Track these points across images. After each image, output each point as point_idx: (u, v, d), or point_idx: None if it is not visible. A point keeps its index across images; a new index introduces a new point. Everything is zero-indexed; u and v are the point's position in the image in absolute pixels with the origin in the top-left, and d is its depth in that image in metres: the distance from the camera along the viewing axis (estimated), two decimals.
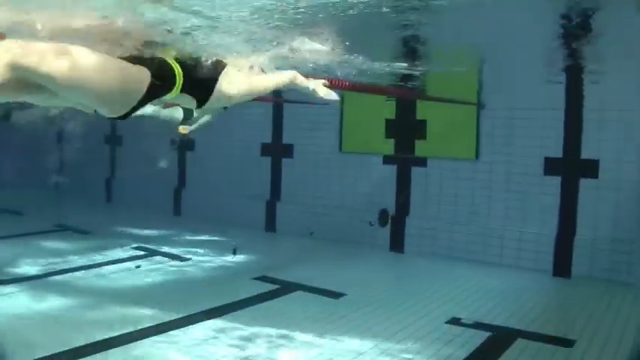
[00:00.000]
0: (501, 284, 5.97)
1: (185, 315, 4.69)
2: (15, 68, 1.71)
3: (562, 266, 6.22)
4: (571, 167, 6.21)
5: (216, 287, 5.69)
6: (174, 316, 4.66)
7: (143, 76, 2.10)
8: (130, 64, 2.07)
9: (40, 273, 5.91)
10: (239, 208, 8.41)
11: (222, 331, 4.42)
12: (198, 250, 7.13)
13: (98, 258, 6.63)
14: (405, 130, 6.94)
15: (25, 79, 1.80)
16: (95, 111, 2.17)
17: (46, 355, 3.83)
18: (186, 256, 6.86)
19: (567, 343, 4.37)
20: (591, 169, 6.08)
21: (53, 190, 11.65)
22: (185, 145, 8.74)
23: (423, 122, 6.84)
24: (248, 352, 4.05)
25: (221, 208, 8.54)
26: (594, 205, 6.10)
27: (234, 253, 6.56)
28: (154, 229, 8.32)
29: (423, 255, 6.98)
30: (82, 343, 4.05)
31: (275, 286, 5.68)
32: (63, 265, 6.22)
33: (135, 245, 7.30)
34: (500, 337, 4.48)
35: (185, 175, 9.40)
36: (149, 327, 4.42)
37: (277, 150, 8.15)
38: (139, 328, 4.39)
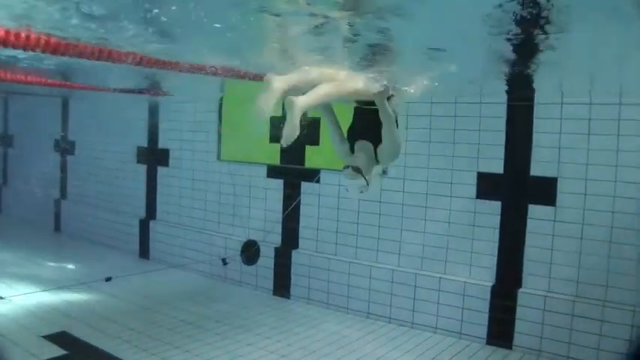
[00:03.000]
0: (412, 354, 4.01)
1: None
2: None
3: (500, 331, 4.22)
4: (517, 187, 4.23)
5: None
6: None
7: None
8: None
9: None
10: (115, 226, 6.63)
11: None
12: (31, 284, 5.26)
13: None
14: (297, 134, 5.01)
15: None
16: None
17: None
18: (2, 294, 5.06)
19: None
20: (545, 191, 4.09)
21: None
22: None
23: (315, 122, 4.88)
24: None
25: (97, 226, 6.78)
26: (548, 244, 4.09)
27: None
28: (14, 249, 6.57)
29: (313, 304, 4.95)
30: None
31: (62, 352, 3.83)
32: None
33: None
34: None
35: (66, 184, 7.66)
36: None
37: (153, 156, 6.35)
38: None
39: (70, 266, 6.07)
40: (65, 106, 7.49)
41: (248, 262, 5.13)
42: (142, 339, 4.07)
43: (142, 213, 6.47)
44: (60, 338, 4.07)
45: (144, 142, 6.40)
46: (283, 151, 5.13)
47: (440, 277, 4.43)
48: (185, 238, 5.88)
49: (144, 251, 6.35)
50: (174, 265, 5.70)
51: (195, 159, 5.71)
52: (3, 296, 4.93)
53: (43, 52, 2.36)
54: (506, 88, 3.92)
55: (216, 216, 5.70)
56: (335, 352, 4.00)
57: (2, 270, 5.81)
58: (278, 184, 5.21)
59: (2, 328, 4.22)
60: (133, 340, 4.04)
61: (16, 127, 8.50)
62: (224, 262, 5.12)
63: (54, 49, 2.36)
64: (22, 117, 8.13)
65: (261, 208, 5.32)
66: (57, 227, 7.67)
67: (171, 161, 6.14)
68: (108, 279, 4.52)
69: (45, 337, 4.09)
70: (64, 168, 7.60)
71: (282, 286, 5.13)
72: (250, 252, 5.07)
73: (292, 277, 5.08)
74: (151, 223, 6.30)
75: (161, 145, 6.21)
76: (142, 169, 6.45)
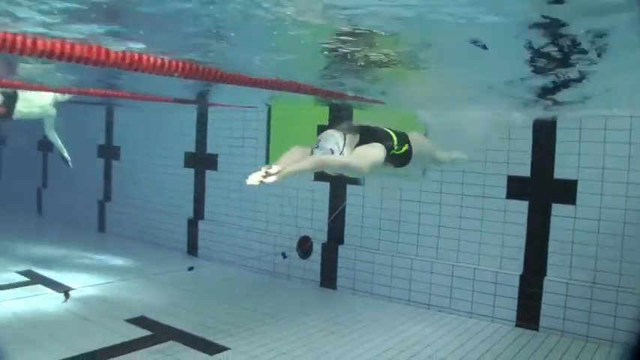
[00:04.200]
0: (450, 335, 4.64)
1: None
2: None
3: (527, 314, 4.87)
4: (541, 189, 4.89)
5: (76, 330, 4.44)
6: None
7: (384, 153, 3.36)
8: (383, 153, 3.35)
9: None
10: (162, 226, 7.21)
11: None
12: (95, 277, 5.89)
13: None
14: None
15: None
16: None
17: None
18: (73, 285, 5.64)
19: None
20: (566, 192, 4.76)
21: None
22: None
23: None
24: None
25: (144, 226, 7.36)
26: (570, 238, 4.75)
27: (67, 297, 4.93)
28: (66, 247, 7.16)
29: (358, 294, 5.64)
30: None
31: (147, 333, 4.43)
32: None
33: (24, 269, 6.14)
34: None
35: (111, 187, 8.24)
36: None
37: (201, 161, 6.95)
38: None
39: (124, 261, 6.64)
40: (110, 113, 8.06)
41: (303, 256, 5.75)
42: (214, 323, 4.66)
43: (190, 213, 7.07)
44: (141, 321, 4.67)
45: (192, 148, 7.00)
46: None
47: (474, 268, 5.08)
48: (235, 237, 6.49)
49: (192, 249, 6.95)
50: (225, 261, 6.30)
51: (245, 164, 6.31)
52: (74, 287, 5.50)
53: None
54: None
55: (265, 216, 6.32)
56: (382, 335, 4.61)
57: (64, 264, 6.37)
58: (324, 186, 5.84)
59: (86, 315, 4.80)
60: (208, 323, 4.62)
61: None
62: (284, 255, 5.73)
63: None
64: (63, 123, 8.64)
65: (308, 208, 5.95)
66: (101, 228, 8.24)
67: (219, 165, 6.74)
68: (190, 268, 5.10)
69: (127, 320, 4.67)
70: (108, 172, 8.16)
71: (329, 278, 5.77)
72: (305, 247, 5.69)
73: (338, 269, 5.70)
74: (200, 223, 6.89)
75: (210, 150, 6.81)
76: (190, 172, 7.05)
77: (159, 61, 2.76)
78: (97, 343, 4.12)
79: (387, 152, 3.42)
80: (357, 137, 3.41)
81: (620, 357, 4.20)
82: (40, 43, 2.11)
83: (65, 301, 4.86)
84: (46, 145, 9.38)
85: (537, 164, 4.88)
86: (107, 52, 2.26)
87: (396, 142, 3.55)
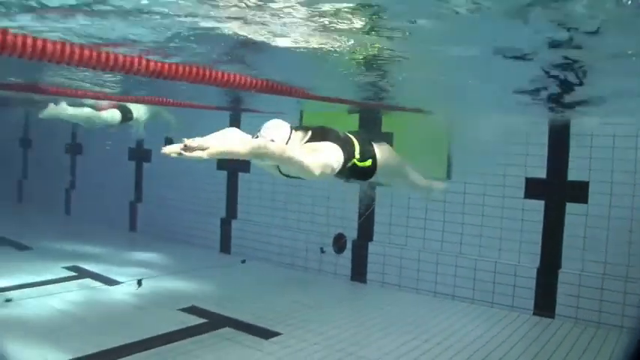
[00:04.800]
0: (473, 323, 5.15)
1: (94, 352, 4.01)
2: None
3: (544, 303, 5.39)
4: (557, 190, 5.42)
5: (132, 319, 4.91)
6: (72, 354, 3.94)
7: (341, 158, 3.03)
8: (339, 155, 3.01)
9: None
10: (194, 225, 7.68)
11: None
12: (137, 272, 6.39)
13: (24, 278, 5.93)
14: (369, 143, 6.15)
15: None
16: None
17: None
18: (119, 278, 6.12)
19: None
20: (579, 192, 5.28)
21: (16, 200, 11.10)
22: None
23: (389, 135, 6.06)
24: None
25: (176, 226, 7.83)
26: (582, 234, 5.28)
27: (139, 284, 5.68)
28: (102, 245, 7.61)
29: (387, 286, 6.16)
30: None
31: (202, 320, 4.91)
32: None
33: (70, 264, 6.60)
34: None
35: (142, 188, 8.71)
36: None
37: (234, 163, 7.43)
38: None
39: (160, 257, 7.11)
40: None
41: (338, 252, 6.25)
42: (261, 313, 5.14)
43: (223, 213, 7.54)
44: (193, 310, 5.14)
45: None
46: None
47: (495, 262, 5.60)
48: (268, 235, 6.97)
49: (225, 247, 7.44)
50: (258, 258, 6.79)
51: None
52: (122, 280, 5.98)
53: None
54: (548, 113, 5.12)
55: (297, 215, 6.82)
56: (409, 324, 5.06)
57: (106, 260, 6.83)
58: (354, 187, 6.34)
59: (140, 305, 5.26)
60: (255, 312, 5.11)
61: (86, 136, 9.46)
62: (322, 250, 6.22)
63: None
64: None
65: (339, 207, 6.45)
66: (132, 227, 8.69)
67: (252, 168, 7.23)
68: (243, 261, 5.59)
69: (180, 310, 5.14)
70: (139, 174, 8.62)
71: (359, 272, 6.28)
72: (340, 243, 6.19)
73: (368, 265, 6.20)
74: (233, 222, 7.38)
75: None
76: (223, 174, 7.53)
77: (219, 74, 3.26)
78: (156, 329, 4.59)
79: (345, 159, 3.06)
80: (308, 135, 3.09)
81: (629, 342, 4.70)
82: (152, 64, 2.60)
83: (138, 288, 5.36)
84: (74, 148, 9.84)
85: (553, 167, 5.41)
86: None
87: (357, 151, 3.24)
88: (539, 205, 5.47)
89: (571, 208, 5.33)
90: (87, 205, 9.28)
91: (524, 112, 4.77)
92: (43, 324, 4.63)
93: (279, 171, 3.14)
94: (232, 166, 7.43)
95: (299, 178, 3.08)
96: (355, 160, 3.21)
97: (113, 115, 6.17)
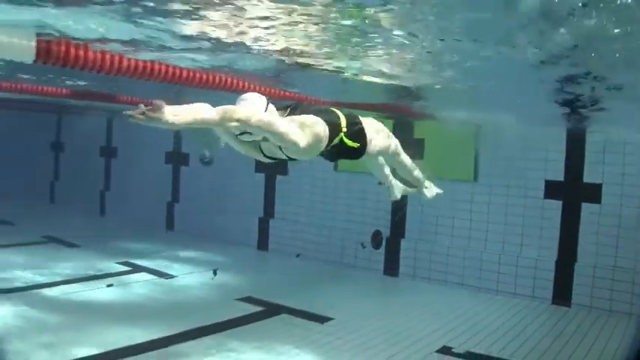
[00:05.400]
0: (497, 312, 5.81)
1: (158, 337, 4.56)
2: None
3: (561, 294, 6.06)
4: (573, 191, 6.10)
5: (198, 307, 5.55)
6: (153, 337, 4.54)
7: (326, 130, 2.92)
8: (322, 126, 2.90)
9: (21, 285, 5.85)
10: (232, 224, 8.32)
11: (201, 353, 4.30)
12: (186, 267, 7.02)
13: (80, 272, 6.54)
14: (403, 148, 6.82)
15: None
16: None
17: None
18: (172, 273, 6.75)
19: None
20: (594, 193, 5.97)
21: (48, 201, 11.69)
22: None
23: (421, 141, 6.75)
24: None
25: (213, 225, 8.46)
26: (596, 230, 5.96)
27: (215, 274, 6.39)
28: (144, 243, 8.23)
29: (418, 279, 6.84)
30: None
31: (259, 308, 5.56)
32: (43, 279, 6.10)
33: (121, 260, 7.22)
34: None
35: (179, 190, 9.34)
36: (126, 347, 4.30)
37: (272, 167, 8.09)
38: (116, 348, 4.27)
39: (203, 254, 7.74)
40: None
41: (376, 247, 6.91)
42: (312, 301, 5.78)
43: (261, 213, 8.19)
44: (250, 300, 5.78)
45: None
46: None
47: (517, 256, 6.28)
48: (305, 232, 7.62)
49: (262, 244, 8.10)
50: (295, 254, 7.46)
51: (315, 169, 7.45)
52: (175, 274, 6.61)
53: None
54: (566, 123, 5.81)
55: (333, 215, 7.47)
56: (440, 313, 5.70)
57: (153, 256, 7.45)
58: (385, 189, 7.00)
59: (200, 295, 5.91)
60: (306, 301, 5.75)
61: (121, 140, 10.08)
62: (363, 246, 6.88)
63: None
64: (127, 132, 9.68)
65: (373, 208, 7.12)
66: (169, 226, 9.32)
67: (290, 171, 7.88)
68: (297, 255, 6.24)
69: (237, 299, 5.77)
70: (176, 176, 9.26)
71: (391, 267, 6.96)
72: (378, 239, 6.85)
73: (401, 259, 6.87)
74: (271, 221, 8.03)
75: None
76: (261, 177, 8.18)
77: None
78: (219, 316, 5.22)
79: (330, 131, 2.93)
80: (287, 112, 3.01)
81: (637, 327, 5.41)
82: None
83: (213, 278, 6.08)
84: (109, 152, 10.46)
85: (569, 170, 6.10)
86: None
87: (344, 124, 3.07)
88: (557, 204, 6.16)
89: (586, 207, 6.02)
90: (122, 206, 9.89)
91: (547, 122, 5.47)
92: (122, 310, 5.28)
93: (262, 153, 3.06)
94: (270, 170, 8.09)
95: (287, 159, 3.04)
96: (342, 135, 3.03)
97: None
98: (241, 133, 2.75)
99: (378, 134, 3.44)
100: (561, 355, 4.62)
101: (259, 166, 8.22)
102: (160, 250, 7.90)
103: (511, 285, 6.30)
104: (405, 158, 4.05)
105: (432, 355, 4.51)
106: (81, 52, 2.92)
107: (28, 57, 2.66)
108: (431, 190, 4.61)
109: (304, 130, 2.81)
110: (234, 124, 2.56)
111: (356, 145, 3.16)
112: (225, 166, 8.37)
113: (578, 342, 5.01)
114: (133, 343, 4.40)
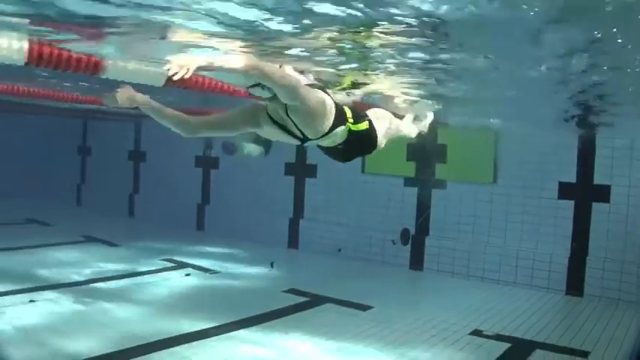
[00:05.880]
0: (517, 301, 6.48)
1: (219, 324, 5.12)
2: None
3: (574, 285, 6.74)
4: (584, 192, 6.80)
5: (249, 298, 6.18)
6: (208, 325, 5.06)
7: (333, 109, 2.90)
8: (330, 101, 2.90)
9: (80, 279, 6.45)
10: (262, 225, 8.95)
11: (255, 340, 4.83)
12: (226, 263, 7.65)
13: (129, 268, 7.14)
14: (426, 153, 7.53)
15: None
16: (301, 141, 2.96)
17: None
18: (214, 268, 7.37)
19: (582, 354, 4.86)
20: (603, 194, 6.67)
21: (74, 204, 12.25)
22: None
23: (444, 147, 7.43)
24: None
25: (244, 225, 9.07)
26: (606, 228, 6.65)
27: (272, 266, 7.14)
28: (179, 242, 8.81)
29: (442, 273, 7.51)
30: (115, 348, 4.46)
31: (305, 299, 6.18)
32: (96, 275, 6.70)
33: (164, 257, 7.81)
34: (519, 348, 4.98)
35: (209, 192, 9.96)
36: (184, 335, 4.83)
37: (301, 170, 8.74)
38: (174, 335, 4.80)
39: (238, 251, 8.35)
40: None
41: (405, 244, 7.57)
42: (351, 292, 6.41)
43: (291, 214, 8.83)
44: (295, 291, 6.40)
45: (292, 159, 8.78)
46: (418, 167, 7.61)
47: (533, 251, 6.95)
48: (335, 232, 8.28)
49: (293, 243, 8.75)
50: (325, 252, 8.10)
51: (342, 171, 8.07)
52: (218, 270, 7.23)
53: None
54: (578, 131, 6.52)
55: (360, 215, 8.14)
56: (463, 303, 6.33)
57: (192, 253, 8.05)
58: (413, 191, 7.69)
59: (247, 287, 6.54)
60: (345, 292, 6.37)
61: (150, 145, 10.68)
62: (393, 242, 7.54)
63: None
64: (155, 137, 10.25)
65: (398, 207, 7.78)
66: (200, 227, 9.93)
67: (319, 174, 8.53)
68: (339, 250, 6.94)
69: (284, 291, 6.39)
70: (206, 179, 9.88)
71: (417, 262, 7.62)
72: (406, 236, 7.51)
73: (425, 255, 7.54)
74: (301, 222, 8.67)
75: (309, 161, 8.59)
76: (290, 180, 8.82)
77: None
78: (269, 306, 5.83)
79: (336, 116, 2.87)
80: None
81: None
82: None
83: (270, 270, 6.78)
84: (137, 156, 11.04)
85: (581, 173, 6.80)
86: None
87: (350, 114, 3.01)
88: (569, 204, 6.85)
89: (596, 207, 6.72)
90: (152, 207, 10.48)
91: (561, 129, 6.17)
92: (181, 301, 5.90)
93: (292, 134, 2.97)
94: (300, 173, 8.74)
95: (321, 144, 3.02)
96: (349, 125, 2.98)
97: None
98: (253, 86, 2.80)
99: (384, 120, 3.38)
100: (577, 339, 5.27)
101: (289, 169, 8.87)
102: (196, 249, 8.51)
103: (528, 277, 6.97)
104: (408, 128, 4.11)
105: (467, 337, 5.16)
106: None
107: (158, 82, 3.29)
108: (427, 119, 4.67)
109: (312, 92, 2.80)
110: (254, 71, 2.58)
111: (364, 125, 3.05)
112: (255, 170, 9.00)
113: (591, 327, 5.66)
114: (199, 329, 5.00)
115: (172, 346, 4.60)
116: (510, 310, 6.12)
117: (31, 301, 5.48)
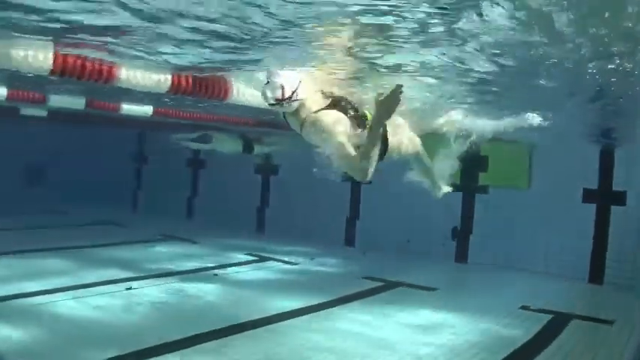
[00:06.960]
0: (550, 285, 8.07)
1: (314, 304, 6.47)
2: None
3: (596, 275, 8.32)
4: (604, 197, 8.41)
5: (332, 283, 7.70)
6: (309, 303, 6.41)
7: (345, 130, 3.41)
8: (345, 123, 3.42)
9: (177, 269, 7.88)
10: (319, 225, 10.48)
11: (346, 316, 6.13)
12: (300, 257, 9.15)
13: (220, 260, 8.63)
14: (470, 163, 9.11)
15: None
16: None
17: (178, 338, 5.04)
18: (293, 261, 8.87)
19: (608, 322, 6.43)
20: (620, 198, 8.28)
21: (130, 208, 13.68)
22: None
23: (485, 158, 9.03)
24: (376, 333, 5.98)
25: (303, 226, 10.59)
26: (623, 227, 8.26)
27: (364, 254, 8.99)
28: (249, 240, 10.29)
29: (484, 265, 9.10)
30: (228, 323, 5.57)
31: (380, 284, 7.72)
32: (191, 266, 8.13)
33: (245, 252, 9.28)
34: (559, 318, 6.55)
35: (268, 196, 11.49)
36: (286, 312, 6.11)
37: None
38: (282, 312, 6.09)
39: (301, 247, 9.84)
40: None
41: (453, 239, 9.14)
42: (413, 279, 7.95)
43: (347, 213, 10.38)
44: (371, 277, 7.96)
45: None
46: (462, 174, 9.21)
47: (560, 246, 8.54)
48: (388, 230, 9.80)
49: (349, 241, 10.33)
50: (379, 249, 9.68)
51: (394, 172, 9.61)
52: (296, 262, 8.73)
53: None
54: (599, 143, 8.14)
55: (410, 214, 9.70)
56: (509, 285, 8.00)
57: (266, 249, 9.52)
58: (457, 195, 9.28)
59: (329, 273, 8.06)
60: (408, 279, 7.89)
61: (209, 154, 12.18)
62: (408, 241, 9.18)
63: None
64: None
65: (442, 210, 9.33)
66: (259, 228, 11.45)
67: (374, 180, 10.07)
68: (408, 241, 8.61)
69: (362, 277, 7.92)
70: (265, 184, 11.40)
71: (461, 256, 9.21)
72: (456, 233, 9.09)
73: (469, 250, 9.13)
74: (357, 222, 10.22)
75: None
76: (347, 185, 10.38)
77: None
78: (351, 289, 7.33)
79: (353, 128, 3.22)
80: (326, 102, 3.37)
81: None
82: None
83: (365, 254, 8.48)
84: (196, 163, 12.53)
85: (602, 180, 8.42)
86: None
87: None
88: (592, 207, 8.48)
89: (614, 209, 8.34)
90: (211, 210, 11.96)
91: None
92: (276, 286, 7.41)
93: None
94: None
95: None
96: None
97: None
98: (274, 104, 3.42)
99: (401, 130, 3.85)
100: (602, 312, 6.81)
101: (345, 175, 10.41)
102: (266, 245, 9.95)
103: (556, 267, 8.56)
104: (425, 158, 4.60)
105: (518, 310, 6.73)
106: None
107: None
108: (443, 187, 5.36)
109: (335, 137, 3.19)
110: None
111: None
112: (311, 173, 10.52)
113: (613, 305, 7.24)
114: (294, 308, 6.30)
115: (277, 322, 5.68)
116: (546, 292, 7.71)
117: (157, 284, 6.94)
